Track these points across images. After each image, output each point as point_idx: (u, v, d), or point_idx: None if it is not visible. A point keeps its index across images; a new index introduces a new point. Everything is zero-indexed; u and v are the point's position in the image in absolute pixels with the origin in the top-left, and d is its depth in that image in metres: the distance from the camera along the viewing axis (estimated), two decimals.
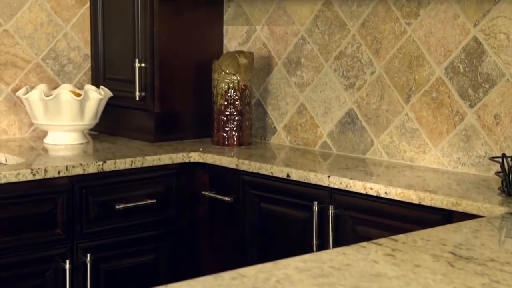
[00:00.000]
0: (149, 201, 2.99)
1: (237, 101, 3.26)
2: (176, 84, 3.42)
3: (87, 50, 3.62)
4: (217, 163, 3.03)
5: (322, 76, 3.18)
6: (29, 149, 3.15)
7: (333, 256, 1.62)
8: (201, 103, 3.46)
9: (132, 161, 2.96)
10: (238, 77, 3.24)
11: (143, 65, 3.37)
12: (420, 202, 2.37)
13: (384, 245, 1.71)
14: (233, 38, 3.52)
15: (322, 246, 2.64)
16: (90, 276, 2.83)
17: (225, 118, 3.26)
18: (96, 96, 3.25)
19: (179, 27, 3.41)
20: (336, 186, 2.61)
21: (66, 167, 2.79)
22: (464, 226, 1.89)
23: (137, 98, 3.38)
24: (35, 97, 3.20)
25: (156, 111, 3.38)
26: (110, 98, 3.34)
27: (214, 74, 3.28)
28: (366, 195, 2.52)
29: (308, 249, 2.67)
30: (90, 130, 3.44)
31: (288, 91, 3.33)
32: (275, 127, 3.39)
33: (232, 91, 3.25)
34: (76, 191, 2.83)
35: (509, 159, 2.31)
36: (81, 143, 3.28)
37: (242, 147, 3.26)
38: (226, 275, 1.47)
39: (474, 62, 2.68)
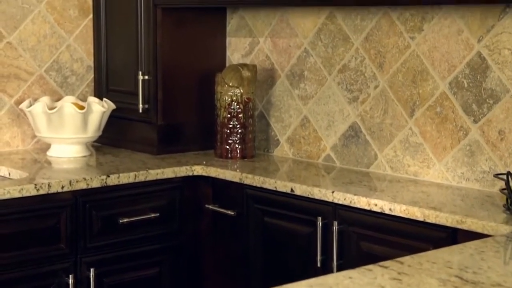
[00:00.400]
0: (152, 215, 2.99)
1: (240, 114, 3.26)
2: (179, 96, 3.42)
3: (90, 62, 3.62)
4: (221, 176, 3.03)
5: (325, 89, 3.18)
6: (32, 162, 3.15)
7: (339, 280, 1.62)
8: (204, 115, 3.46)
9: (135, 175, 2.95)
10: (241, 90, 3.24)
11: (146, 77, 3.37)
12: (424, 219, 2.37)
13: (390, 268, 1.71)
14: (236, 50, 3.52)
15: (326, 262, 2.64)
16: None
17: (228, 131, 3.26)
18: (99, 109, 3.25)
19: (182, 39, 3.41)
20: (340, 202, 2.60)
21: (70, 181, 2.78)
22: (469, 247, 1.89)
23: (140, 111, 3.38)
24: (38, 110, 3.19)
25: (159, 123, 3.38)
26: (113, 110, 3.34)
27: (217, 87, 3.28)
28: (370, 211, 2.52)
29: (312, 265, 2.68)
30: (93, 141, 3.44)
31: (291, 104, 3.32)
32: (278, 140, 3.39)
33: (235, 104, 3.25)
34: (79, 206, 2.83)
35: None
36: (84, 156, 3.27)
37: (245, 159, 3.26)
38: None
39: (478, 77, 2.67)
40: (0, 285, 2.65)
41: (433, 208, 2.39)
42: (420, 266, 1.73)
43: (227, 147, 3.27)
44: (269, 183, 2.84)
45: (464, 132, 2.73)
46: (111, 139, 3.51)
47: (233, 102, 3.25)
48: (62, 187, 2.77)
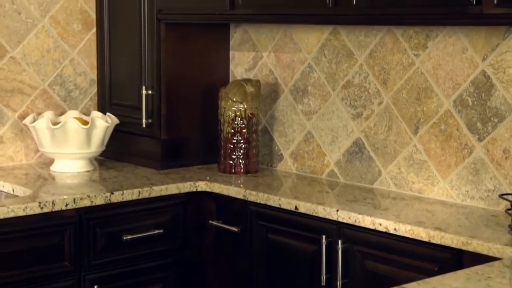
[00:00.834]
0: (156, 231, 2.99)
1: (244, 129, 3.25)
2: (182, 111, 3.42)
3: (93, 75, 3.62)
4: (224, 192, 3.03)
5: (329, 104, 3.18)
6: (35, 178, 3.15)
7: None
8: (207, 129, 3.46)
9: (139, 192, 2.95)
10: (245, 105, 3.24)
11: (149, 92, 3.37)
12: (429, 240, 2.37)
13: None
14: (239, 64, 3.52)
15: (331, 281, 2.63)
16: None
17: (232, 146, 3.26)
18: (103, 124, 3.25)
19: (186, 53, 3.41)
20: (344, 221, 2.60)
21: (74, 199, 2.78)
22: (475, 273, 1.88)
23: (144, 125, 3.38)
24: (42, 126, 3.19)
25: (162, 138, 3.38)
26: (117, 124, 3.34)
27: (221, 102, 3.28)
28: (375, 230, 2.52)
29: (316, 283, 2.67)
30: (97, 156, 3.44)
31: (295, 119, 3.32)
32: (281, 154, 3.39)
33: (239, 119, 3.25)
34: (83, 223, 2.83)
35: None
36: (88, 171, 3.27)
37: (249, 174, 3.25)
38: None
39: (483, 96, 2.67)
40: None
41: (438, 228, 2.39)
42: None
43: (231, 162, 3.27)
44: (273, 200, 2.83)
45: (469, 150, 2.73)
46: (114, 153, 3.51)
47: (236, 118, 3.25)
48: (66, 205, 2.76)
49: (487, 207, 2.68)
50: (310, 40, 3.22)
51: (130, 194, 2.92)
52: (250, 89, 3.24)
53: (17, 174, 3.21)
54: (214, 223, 3.07)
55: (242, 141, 3.26)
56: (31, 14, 3.41)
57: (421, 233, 2.39)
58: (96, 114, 3.41)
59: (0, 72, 3.36)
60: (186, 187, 3.08)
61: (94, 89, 3.63)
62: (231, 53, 3.55)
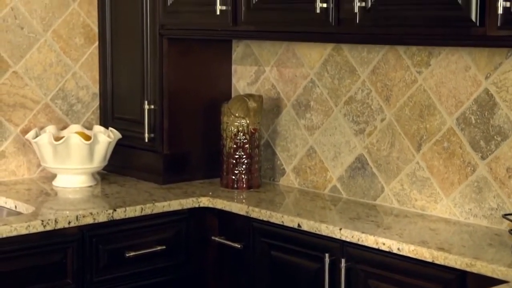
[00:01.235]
0: (158, 248, 2.99)
1: (247, 144, 3.25)
2: (184, 125, 3.41)
3: (96, 89, 3.62)
4: (227, 209, 3.03)
5: (332, 120, 3.18)
6: (38, 194, 3.14)
7: None
8: (209, 143, 3.45)
9: (142, 208, 2.95)
10: (248, 121, 3.24)
11: (152, 106, 3.36)
12: (433, 261, 2.36)
13: None
14: (241, 78, 3.51)
15: None
16: None
17: (234, 161, 3.26)
18: (105, 139, 3.24)
19: (188, 67, 3.41)
20: (347, 239, 2.60)
21: (77, 217, 2.78)
22: None
23: (146, 140, 3.38)
24: (44, 141, 3.19)
25: (165, 153, 3.38)
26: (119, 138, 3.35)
27: (223, 117, 3.28)
28: (378, 249, 2.51)
29: None
30: None
31: (297, 133, 3.32)
32: (284, 169, 3.38)
33: (242, 134, 3.24)
34: (86, 240, 2.82)
35: None
36: (90, 186, 3.27)
37: (251, 190, 3.25)
38: None
39: (486, 114, 2.67)
40: None
41: (441, 249, 2.38)
42: None
43: (233, 177, 3.26)
44: (276, 217, 2.83)
45: (472, 168, 2.73)
46: (116, 166, 3.51)
47: (239, 133, 3.24)
48: (69, 223, 2.76)
49: (491, 225, 2.68)
50: (312, 56, 3.22)
51: (132, 211, 2.92)
52: (252, 104, 3.24)
53: (20, 189, 3.21)
54: (216, 239, 3.06)
55: (244, 156, 3.25)
56: (33, 29, 3.41)
57: (425, 254, 2.38)
58: (98, 129, 3.41)
59: (3, 87, 3.36)
60: (188, 203, 3.08)
61: (96, 103, 3.63)
62: (233, 67, 3.55)
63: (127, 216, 2.91)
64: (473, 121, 2.71)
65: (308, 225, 2.72)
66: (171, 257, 3.03)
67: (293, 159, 3.34)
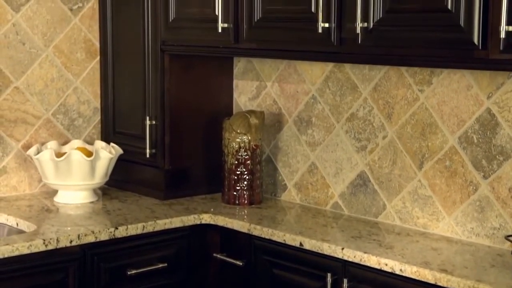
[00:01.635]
0: (160, 265, 2.98)
1: (248, 160, 3.25)
2: (186, 140, 3.41)
3: (97, 103, 3.62)
4: (229, 226, 3.02)
5: (333, 136, 3.17)
6: (39, 211, 3.13)
7: None
8: (211, 158, 3.45)
9: (143, 226, 2.94)
10: (249, 137, 3.24)
11: (153, 122, 3.36)
12: (436, 283, 2.36)
13: None
14: (243, 92, 3.51)
15: None
16: None
17: (235, 177, 3.25)
18: (107, 155, 3.24)
19: (189, 82, 3.41)
20: (350, 259, 2.59)
21: (78, 235, 2.78)
22: None
23: (148, 156, 3.37)
24: (45, 158, 3.19)
25: (166, 168, 3.37)
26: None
27: (225, 133, 3.28)
28: (381, 270, 2.51)
29: None
30: None
31: (298, 149, 3.32)
32: (285, 184, 3.38)
33: (243, 150, 3.24)
34: (87, 259, 2.82)
35: None
36: (92, 202, 3.27)
37: (253, 206, 3.25)
38: None
39: (488, 133, 2.67)
40: None
41: (444, 270, 2.38)
42: None
43: (235, 193, 3.26)
44: (278, 236, 2.83)
45: (474, 188, 2.72)
46: (117, 181, 3.50)
47: (240, 149, 3.24)
48: (71, 242, 2.76)
49: (493, 244, 2.67)
50: (314, 72, 3.22)
51: (134, 229, 2.92)
52: (254, 120, 3.24)
53: (21, 205, 3.21)
54: (218, 256, 3.06)
55: (246, 172, 3.25)
56: (35, 44, 3.41)
57: (427, 275, 2.38)
58: (99, 144, 3.41)
59: (4, 102, 3.35)
60: (190, 220, 3.07)
61: (97, 117, 3.63)
62: (234, 81, 3.55)
63: (128, 234, 2.90)
64: (475, 140, 2.71)
65: (310, 244, 2.72)
66: (172, 274, 3.03)
67: (295, 175, 3.34)
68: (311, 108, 3.25)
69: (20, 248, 2.64)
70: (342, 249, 2.62)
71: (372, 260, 2.53)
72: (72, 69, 3.53)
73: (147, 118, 3.36)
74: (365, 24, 2.51)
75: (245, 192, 3.26)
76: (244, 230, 2.95)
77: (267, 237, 2.87)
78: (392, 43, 2.49)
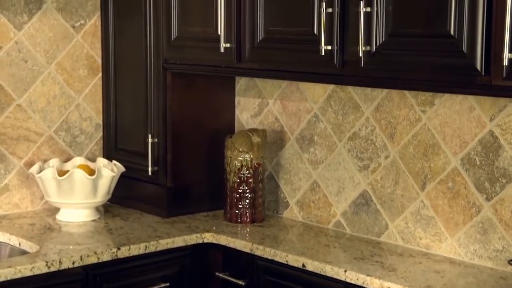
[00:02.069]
0: (162, 285, 2.98)
1: (250, 178, 3.25)
2: (188, 158, 3.41)
3: (99, 120, 3.62)
4: (231, 245, 3.02)
5: (335, 155, 3.17)
6: (42, 230, 3.13)
7: None
8: (213, 176, 3.45)
9: (146, 246, 2.95)
10: (251, 156, 3.24)
11: (155, 140, 3.36)
12: None
13: None
14: (245, 109, 3.51)
15: None
16: None
17: (238, 196, 3.25)
18: (109, 174, 3.25)
19: (191, 99, 3.41)
20: (352, 282, 2.59)
21: (81, 257, 2.78)
22: None
23: (150, 173, 3.38)
24: (48, 176, 3.19)
25: (168, 186, 3.37)
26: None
27: (227, 152, 3.28)
28: None
29: None
30: None
31: (301, 167, 3.32)
32: (287, 202, 3.38)
33: (245, 169, 3.24)
34: (90, 280, 2.82)
35: None
36: (94, 220, 3.27)
37: (255, 224, 3.25)
38: None
39: (491, 156, 2.67)
40: None
41: None
42: None
43: (237, 211, 3.26)
44: (280, 257, 2.83)
45: (477, 209, 2.72)
46: (119, 198, 3.50)
47: (243, 167, 3.24)
48: (73, 263, 2.76)
49: (496, 267, 2.67)
50: (316, 90, 3.22)
51: (136, 249, 2.92)
52: (256, 139, 3.24)
53: (23, 224, 3.20)
54: (220, 275, 3.06)
55: (248, 190, 3.25)
56: (37, 62, 3.41)
57: None
58: (101, 161, 3.41)
59: (7, 120, 3.36)
60: (192, 239, 3.07)
61: (99, 134, 3.63)
62: (236, 98, 3.55)
63: (131, 255, 2.90)
64: (478, 162, 2.71)
65: (312, 265, 2.72)
66: None
67: (297, 193, 3.34)
68: (313, 126, 3.25)
69: (23, 270, 2.64)
70: (345, 271, 2.62)
71: (375, 283, 2.53)
72: (74, 86, 3.53)
73: (149, 136, 3.37)
74: (368, 48, 2.51)
75: (247, 210, 3.26)
76: (247, 250, 2.95)
77: (269, 257, 2.87)
78: (394, 67, 2.49)
